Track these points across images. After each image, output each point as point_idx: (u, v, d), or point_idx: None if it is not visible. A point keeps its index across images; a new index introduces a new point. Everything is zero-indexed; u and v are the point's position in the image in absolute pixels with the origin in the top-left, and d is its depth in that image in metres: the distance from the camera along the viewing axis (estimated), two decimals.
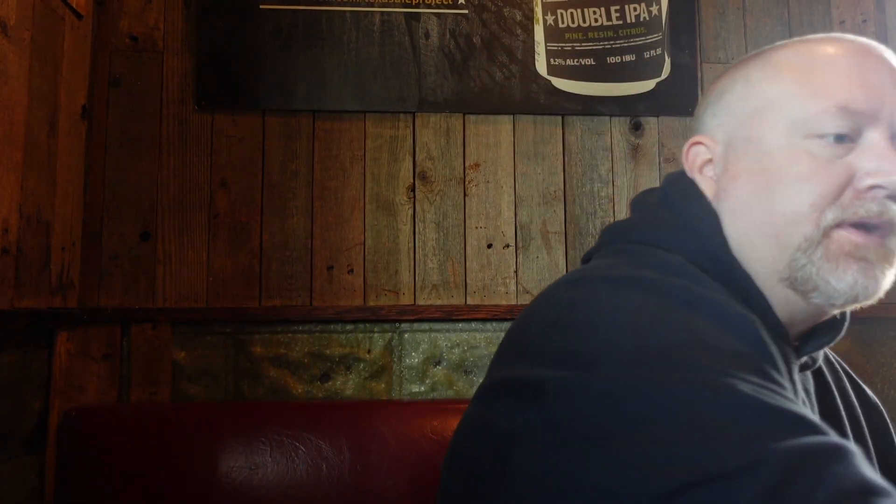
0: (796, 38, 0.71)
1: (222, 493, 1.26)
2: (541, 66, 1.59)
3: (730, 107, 0.71)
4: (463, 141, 1.57)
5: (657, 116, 1.61)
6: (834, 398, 0.74)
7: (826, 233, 0.62)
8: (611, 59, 1.59)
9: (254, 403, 1.42)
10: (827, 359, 0.79)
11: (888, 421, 0.78)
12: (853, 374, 0.81)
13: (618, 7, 1.60)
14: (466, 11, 1.58)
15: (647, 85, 1.60)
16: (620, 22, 1.60)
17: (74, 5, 1.38)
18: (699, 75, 1.63)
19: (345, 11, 1.55)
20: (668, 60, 1.61)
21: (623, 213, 1.59)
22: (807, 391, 0.68)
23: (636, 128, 1.61)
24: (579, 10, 1.59)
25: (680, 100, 1.61)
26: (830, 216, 0.61)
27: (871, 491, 0.35)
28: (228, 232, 1.48)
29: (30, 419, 1.26)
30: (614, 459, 0.40)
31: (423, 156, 1.55)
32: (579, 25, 1.59)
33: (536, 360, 0.51)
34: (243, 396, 1.45)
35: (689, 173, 0.72)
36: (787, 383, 0.49)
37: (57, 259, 1.33)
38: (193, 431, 1.30)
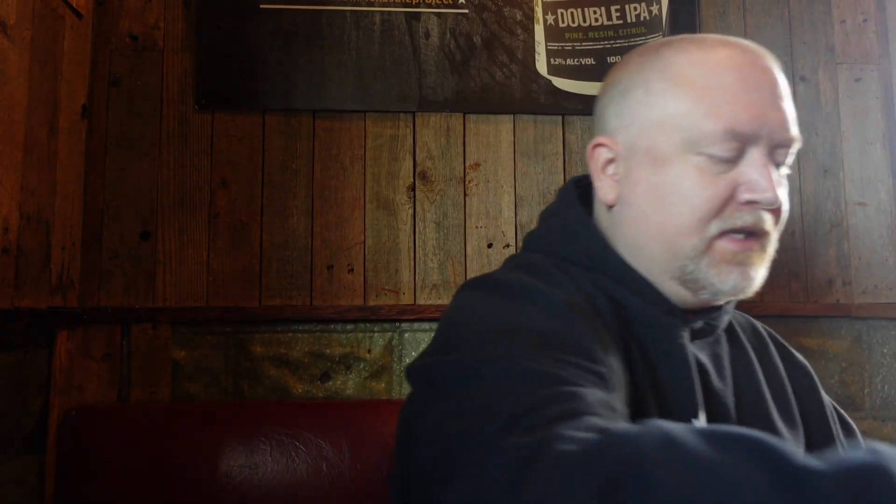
0: (689, 39, 0.78)
1: (222, 493, 1.26)
2: (541, 66, 1.58)
3: (633, 111, 0.78)
4: (463, 140, 1.57)
5: None
6: (750, 361, 0.83)
7: (710, 243, 0.71)
8: (611, 59, 1.59)
9: (254, 403, 1.42)
10: (754, 329, 0.91)
11: (816, 381, 0.87)
12: (782, 342, 0.91)
13: (618, 7, 1.60)
14: (467, 11, 1.58)
15: None
16: (621, 21, 1.60)
17: (74, 5, 1.37)
18: None
19: (345, 11, 1.55)
20: None
21: None
22: (716, 355, 0.79)
23: None
24: (580, 10, 1.59)
25: None
26: (714, 228, 0.71)
27: (581, 412, 0.49)
28: (229, 231, 1.48)
29: (30, 419, 1.26)
30: (445, 409, 0.54)
31: (424, 155, 1.55)
32: (580, 25, 1.59)
33: (428, 351, 0.66)
34: (243, 396, 1.45)
35: (591, 173, 0.80)
36: (613, 344, 0.65)
37: (57, 259, 1.33)
38: (193, 431, 1.30)
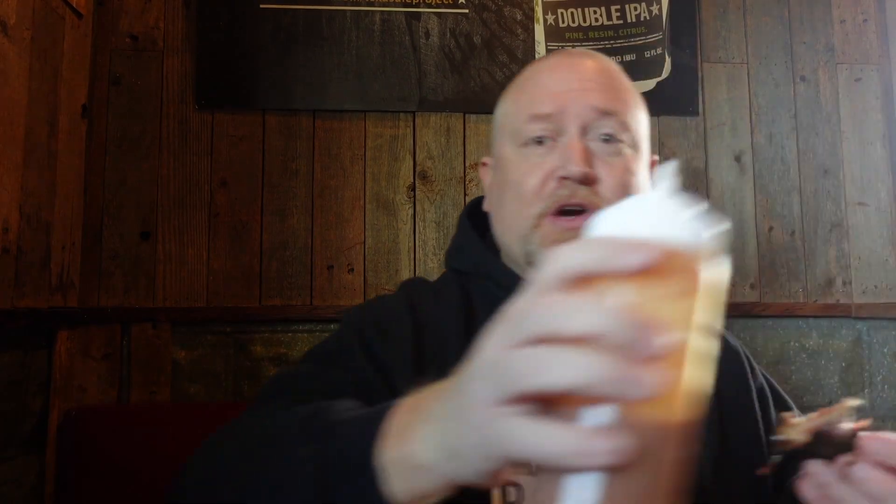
0: (536, 60, 0.89)
1: None
2: None
3: (494, 127, 0.86)
4: (463, 140, 1.57)
5: (657, 116, 1.61)
6: None
7: (537, 223, 0.75)
8: (611, 59, 1.59)
9: None
10: None
11: (745, 365, 0.85)
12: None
13: (618, 7, 1.60)
14: (467, 11, 1.58)
15: (648, 84, 1.60)
16: (621, 21, 1.60)
17: (75, 5, 1.37)
18: (699, 75, 1.63)
19: (345, 11, 1.55)
20: (668, 60, 1.61)
21: None
22: None
23: None
24: (580, 10, 1.59)
25: (680, 99, 1.61)
26: (536, 209, 0.75)
27: (289, 387, 0.68)
28: (228, 231, 1.48)
29: (30, 419, 1.26)
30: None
31: (424, 155, 1.55)
32: (580, 25, 1.59)
33: None
34: (243, 396, 1.45)
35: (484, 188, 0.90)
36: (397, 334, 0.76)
37: (57, 258, 1.33)
38: (193, 431, 1.30)
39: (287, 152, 1.52)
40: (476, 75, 1.57)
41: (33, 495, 1.27)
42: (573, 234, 0.72)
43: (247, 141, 1.51)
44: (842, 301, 1.60)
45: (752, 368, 0.85)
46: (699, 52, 1.63)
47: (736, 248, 1.59)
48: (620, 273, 0.31)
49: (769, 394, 0.84)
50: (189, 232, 1.47)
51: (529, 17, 1.59)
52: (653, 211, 0.35)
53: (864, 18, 1.68)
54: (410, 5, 1.57)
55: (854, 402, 0.46)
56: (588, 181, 0.74)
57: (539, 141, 0.76)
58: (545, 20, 1.59)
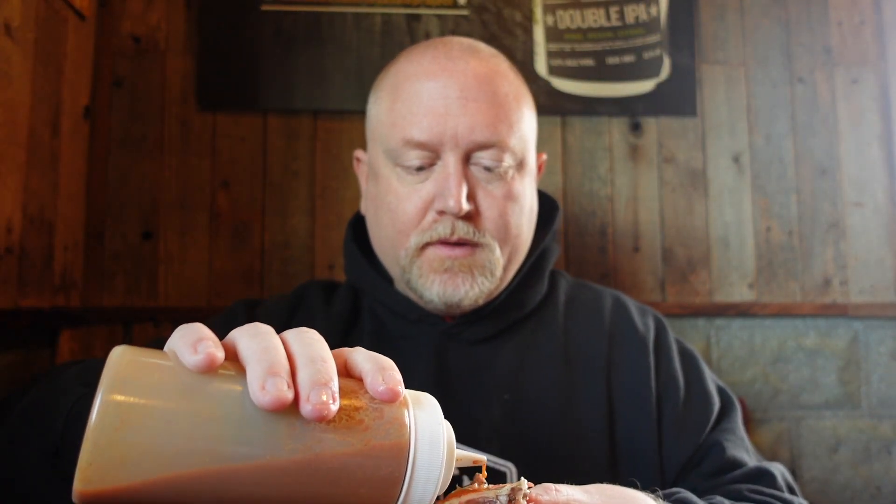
0: (419, 44, 0.78)
1: None
2: (540, 67, 1.59)
3: (367, 122, 0.80)
4: None
5: (656, 117, 1.62)
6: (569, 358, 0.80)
7: (420, 251, 0.71)
8: (610, 60, 1.60)
9: None
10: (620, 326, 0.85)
11: (647, 360, 0.82)
12: (632, 331, 0.85)
13: (617, 8, 1.61)
14: (467, 12, 1.59)
15: (647, 85, 1.61)
16: (620, 23, 1.61)
17: (77, 6, 1.38)
18: (698, 76, 1.64)
19: (346, 12, 1.56)
20: (667, 61, 1.62)
21: (622, 213, 1.60)
22: (493, 355, 0.78)
23: (635, 128, 1.62)
24: (579, 11, 1.60)
25: (679, 100, 1.62)
26: (413, 241, 0.71)
27: None
28: (230, 231, 1.49)
29: None
30: None
31: None
32: (579, 26, 1.60)
33: None
34: None
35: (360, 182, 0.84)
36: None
37: (60, 258, 1.33)
38: None
39: (288, 152, 1.52)
40: None
41: None
42: (455, 263, 0.70)
43: (248, 141, 1.52)
44: (839, 301, 1.61)
45: (662, 361, 0.81)
46: (698, 54, 1.65)
47: (734, 247, 1.60)
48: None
49: (682, 388, 0.80)
50: (191, 232, 1.48)
51: (528, 19, 1.60)
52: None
53: (861, 20, 1.70)
54: (411, 6, 1.57)
55: (525, 486, 0.44)
56: (468, 217, 0.71)
57: (417, 167, 0.72)
58: (544, 21, 1.60)
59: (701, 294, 1.58)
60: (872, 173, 1.65)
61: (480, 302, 0.74)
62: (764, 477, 0.72)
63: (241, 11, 1.53)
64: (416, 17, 1.57)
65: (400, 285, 0.78)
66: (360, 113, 1.59)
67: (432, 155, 0.70)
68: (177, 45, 1.52)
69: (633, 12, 1.61)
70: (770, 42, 1.67)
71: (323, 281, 0.92)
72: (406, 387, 0.40)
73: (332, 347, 0.73)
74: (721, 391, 0.86)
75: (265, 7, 1.53)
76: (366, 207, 0.81)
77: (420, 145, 0.70)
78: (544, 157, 0.92)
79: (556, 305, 0.84)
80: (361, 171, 0.85)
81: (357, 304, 0.82)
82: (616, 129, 1.62)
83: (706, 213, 1.61)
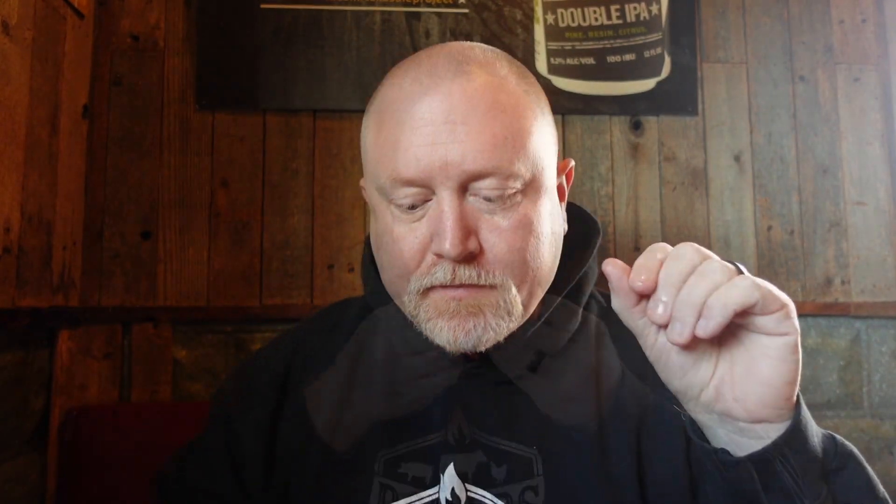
0: (405, 61, 0.70)
1: None
2: (541, 66, 1.59)
3: (361, 150, 0.72)
4: None
5: (657, 115, 1.62)
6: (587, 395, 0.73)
7: (421, 296, 0.65)
8: (611, 59, 1.60)
9: None
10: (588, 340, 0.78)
11: (624, 378, 0.75)
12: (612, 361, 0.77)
13: (618, 6, 1.60)
14: (467, 10, 1.58)
15: (647, 84, 1.60)
16: (620, 21, 1.60)
17: (76, 5, 1.38)
18: (699, 75, 1.63)
19: (345, 11, 1.55)
20: (667, 60, 1.61)
21: (623, 211, 1.59)
22: (516, 395, 0.72)
23: (636, 127, 1.61)
24: (579, 10, 1.60)
25: (680, 99, 1.62)
26: (414, 286, 0.64)
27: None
28: (229, 231, 1.49)
29: (31, 418, 1.26)
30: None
31: None
32: (579, 25, 1.60)
33: None
34: None
35: None
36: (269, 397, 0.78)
37: (58, 258, 1.33)
38: (194, 430, 1.30)
39: (287, 152, 1.52)
40: None
41: (34, 494, 1.27)
42: (461, 305, 0.63)
43: (247, 140, 1.51)
44: (840, 300, 1.60)
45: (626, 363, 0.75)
46: (699, 52, 1.64)
47: (735, 247, 1.60)
48: None
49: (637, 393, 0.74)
50: (190, 231, 1.47)
51: (529, 17, 1.60)
52: None
53: (863, 18, 1.69)
54: (411, 5, 1.57)
55: None
56: (470, 258, 0.63)
57: (410, 205, 0.64)
58: (545, 20, 1.59)
59: None
60: (874, 172, 1.65)
61: (501, 340, 0.66)
62: None
63: (240, 10, 1.52)
64: (416, 16, 1.57)
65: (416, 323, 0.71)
66: (360, 112, 1.59)
67: (425, 191, 0.63)
68: (176, 43, 1.51)
69: (633, 10, 1.61)
70: (771, 40, 1.66)
71: (324, 319, 0.85)
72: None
73: (339, 398, 0.73)
74: None
75: (264, 5, 1.53)
76: (372, 234, 0.74)
77: (408, 182, 0.62)
78: (571, 163, 0.79)
79: (588, 338, 0.77)
80: (367, 196, 0.76)
81: (375, 330, 0.76)
82: (617, 127, 1.61)
83: (707, 212, 1.61)
